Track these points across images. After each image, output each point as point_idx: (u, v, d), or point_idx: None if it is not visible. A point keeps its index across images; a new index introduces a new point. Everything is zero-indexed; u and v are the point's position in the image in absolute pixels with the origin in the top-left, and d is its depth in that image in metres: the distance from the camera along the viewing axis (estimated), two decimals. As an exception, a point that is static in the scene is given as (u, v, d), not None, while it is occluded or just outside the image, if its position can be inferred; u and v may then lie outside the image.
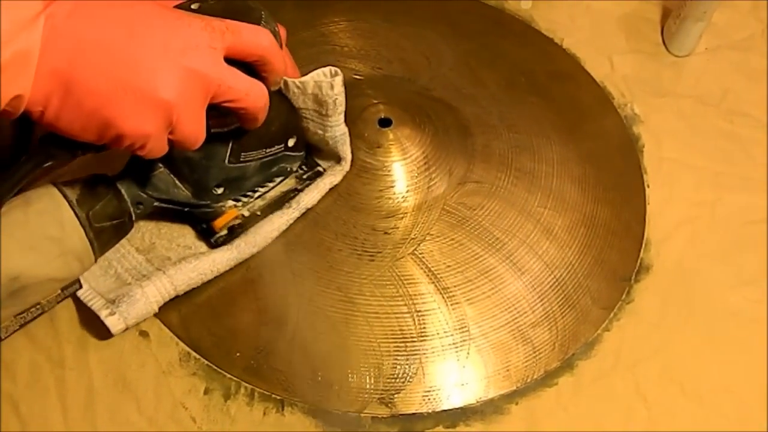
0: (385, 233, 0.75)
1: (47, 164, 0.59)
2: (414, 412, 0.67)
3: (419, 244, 0.75)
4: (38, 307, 0.64)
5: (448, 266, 0.74)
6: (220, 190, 0.71)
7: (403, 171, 0.78)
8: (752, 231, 0.80)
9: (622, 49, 0.96)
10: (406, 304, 0.71)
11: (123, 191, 0.66)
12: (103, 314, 0.65)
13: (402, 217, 0.76)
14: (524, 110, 0.88)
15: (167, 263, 0.71)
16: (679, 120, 0.89)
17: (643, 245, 0.78)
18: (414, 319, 0.70)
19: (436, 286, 0.72)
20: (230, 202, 0.72)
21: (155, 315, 0.69)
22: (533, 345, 0.71)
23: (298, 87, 0.70)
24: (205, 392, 0.67)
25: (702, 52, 0.96)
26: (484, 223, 0.77)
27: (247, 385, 0.67)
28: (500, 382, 0.69)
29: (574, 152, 0.84)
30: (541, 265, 0.75)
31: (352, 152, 0.77)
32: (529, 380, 0.69)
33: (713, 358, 0.71)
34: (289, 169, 0.76)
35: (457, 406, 0.68)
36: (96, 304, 0.66)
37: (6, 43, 0.48)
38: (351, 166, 0.77)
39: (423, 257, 0.74)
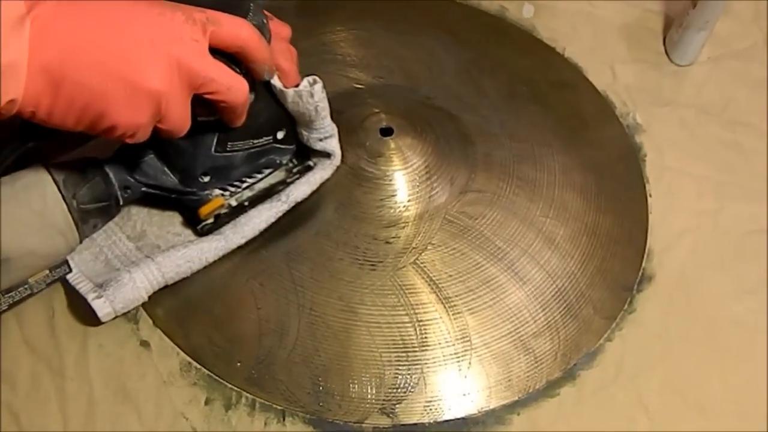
0: (387, 242, 0.75)
1: (29, 146, 0.61)
2: (415, 422, 0.67)
3: (421, 254, 0.75)
4: (27, 287, 0.64)
5: (450, 276, 0.73)
6: (206, 179, 0.71)
7: (404, 180, 0.78)
8: (754, 240, 0.80)
9: (624, 58, 0.96)
10: (407, 314, 0.71)
11: (111, 175, 0.67)
12: (90, 297, 0.66)
13: (403, 227, 0.76)
14: (526, 119, 0.88)
15: (156, 251, 0.71)
16: (681, 129, 0.89)
17: (646, 255, 0.78)
18: (415, 329, 0.70)
19: (437, 295, 0.72)
20: (217, 191, 0.72)
21: (156, 325, 0.70)
22: (535, 355, 0.70)
23: (280, 92, 0.70)
24: (206, 402, 0.67)
25: (704, 62, 0.96)
26: (486, 232, 0.77)
27: (248, 395, 0.67)
28: (502, 393, 0.68)
29: (576, 161, 0.84)
30: (543, 274, 0.75)
31: (353, 161, 0.78)
32: (530, 390, 0.69)
33: (715, 368, 0.71)
34: (278, 161, 0.75)
35: (458, 417, 0.67)
36: (83, 287, 0.67)
37: None
38: (352, 174, 0.78)
39: (424, 267, 0.74)
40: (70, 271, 0.67)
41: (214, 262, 0.72)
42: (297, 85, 0.70)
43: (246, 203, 0.74)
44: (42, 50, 0.52)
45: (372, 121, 0.81)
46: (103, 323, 0.67)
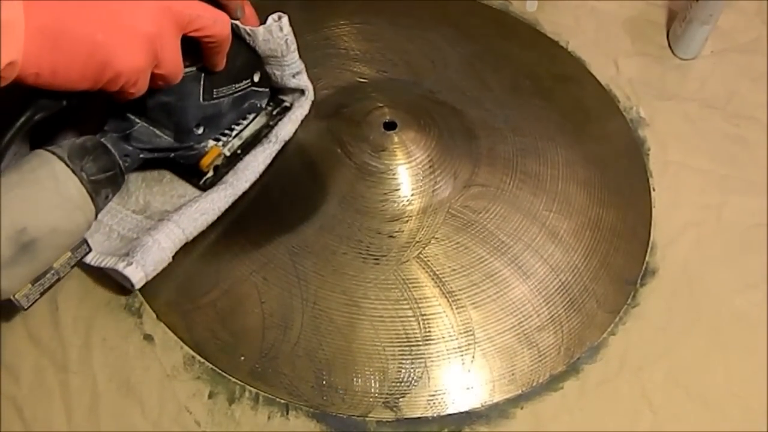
0: (390, 237, 0.75)
1: (38, 116, 0.63)
2: (419, 416, 0.67)
3: (424, 248, 0.75)
4: (53, 272, 0.63)
5: (453, 270, 0.73)
6: (200, 130, 0.74)
7: (408, 174, 0.78)
8: (758, 234, 0.80)
9: (628, 51, 0.96)
10: (411, 308, 0.71)
11: (109, 145, 0.68)
12: (120, 266, 0.66)
13: (407, 221, 0.76)
14: (529, 113, 0.88)
15: (167, 214, 0.72)
16: (685, 123, 0.89)
17: (649, 249, 0.78)
18: (419, 323, 0.70)
19: (441, 289, 0.72)
20: (211, 141, 0.75)
21: (159, 318, 0.70)
22: (539, 349, 0.70)
23: (248, 35, 0.74)
24: (210, 396, 0.67)
25: (708, 55, 0.96)
26: (489, 226, 0.77)
27: (251, 388, 0.67)
28: (505, 386, 0.68)
29: (580, 155, 0.84)
30: (546, 268, 0.75)
31: (357, 155, 0.78)
32: (534, 384, 0.69)
33: (719, 361, 0.71)
34: (258, 105, 0.80)
35: (462, 411, 0.67)
36: (109, 261, 0.68)
37: None
38: (355, 168, 0.78)
39: (428, 261, 0.74)
40: (90, 249, 0.67)
41: (218, 255, 0.73)
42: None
43: (239, 151, 0.77)
44: (36, 11, 0.54)
45: (375, 115, 0.81)
46: (110, 320, 0.68)
